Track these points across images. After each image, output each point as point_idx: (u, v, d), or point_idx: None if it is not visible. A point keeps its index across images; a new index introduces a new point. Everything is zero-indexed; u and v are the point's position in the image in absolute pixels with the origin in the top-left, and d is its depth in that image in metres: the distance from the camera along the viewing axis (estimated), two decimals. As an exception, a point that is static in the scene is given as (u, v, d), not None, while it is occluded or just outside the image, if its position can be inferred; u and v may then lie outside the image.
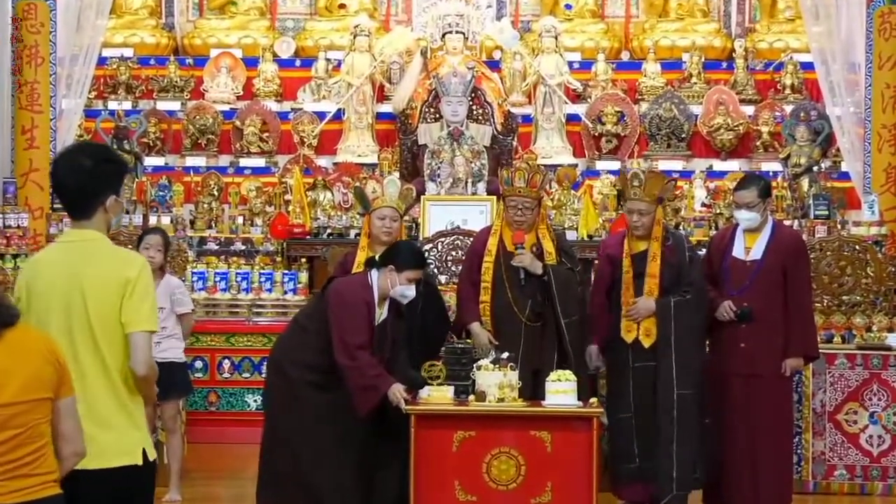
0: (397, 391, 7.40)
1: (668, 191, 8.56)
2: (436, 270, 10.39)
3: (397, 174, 13.18)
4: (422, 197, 12.55)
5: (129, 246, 10.31)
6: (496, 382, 7.51)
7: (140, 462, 4.68)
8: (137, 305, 4.63)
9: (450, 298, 9.18)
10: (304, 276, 12.14)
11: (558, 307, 8.18)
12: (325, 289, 7.88)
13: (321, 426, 7.54)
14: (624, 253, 8.27)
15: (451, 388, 7.64)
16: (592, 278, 8.90)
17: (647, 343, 8.15)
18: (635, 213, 8.23)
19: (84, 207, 4.72)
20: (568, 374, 7.63)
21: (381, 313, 7.64)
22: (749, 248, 8.31)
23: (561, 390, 7.54)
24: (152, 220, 12.67)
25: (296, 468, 7.56)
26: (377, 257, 7.77)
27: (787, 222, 12.61)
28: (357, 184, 11.90)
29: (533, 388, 7.88)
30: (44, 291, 4.67)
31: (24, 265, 4.81)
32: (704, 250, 8.89)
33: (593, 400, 7.71)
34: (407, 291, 7.63)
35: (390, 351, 7.70)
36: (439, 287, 9.36)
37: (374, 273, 7.66)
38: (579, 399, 7.60)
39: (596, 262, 11.94)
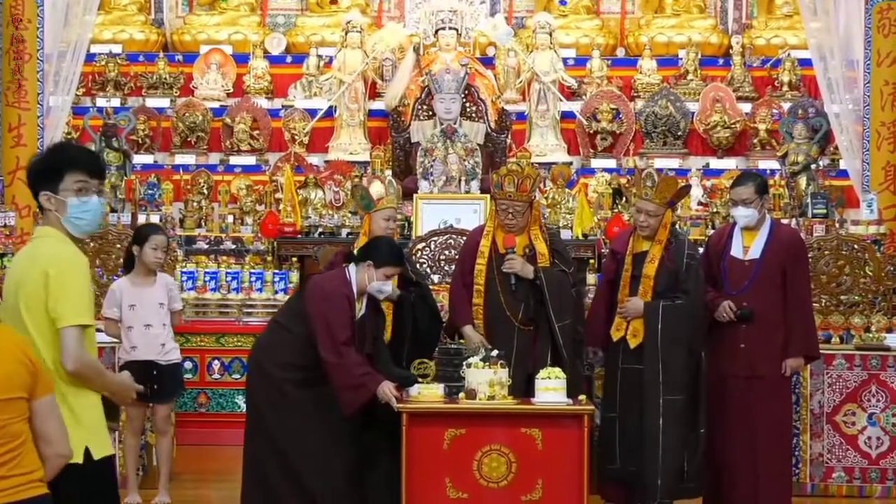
0: (387, 389, 7.34)
1: (681, 196, 8.48)
2: (428, 270, 10.31)
3: (390, 172, 13.11)
4: (415, 195, 12.48)
5: (119, 245, 10.22)
6: (486, 380, 7.53)
7: (81, 461, 4.61)
8: (60, 300, 4.63)
9: (442, 298, 9.11)
10: (294, 276, 12.08)
11: (551, 310, 8.09)
12: (304, 287, 7.84)
13: (309, 425, 7.45)
14: (627, 251, 8.18)
15: (442, 386, 7.64)
16: (587, 278, 8.85)
17: (633, 343, 8.09)
18: (643, 214, 8.14)
19: (37, 204, 4.80)
20: (558, 371, 7.63)
21: (360, 308, 7.59)
22: (747, 247, 8.26)
23: (551, 388, 7.56)
24: (141, 219, 12.57)
25: (285, 470, 7.46)
26: (355, 252, 7.72)
27: (784, 221, 12.54)
28: (361, 183, 11.80)
29: (525, 392, 7.82)
30: (4, 289, 4.76)
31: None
32: (702, 250, 8.80)
33: (583, 397, 7.70)
34: (384, 287, 7.58)
35: (371, 347, 7.65)
36: (432, 286, 9.30)
37: (351, 268, 7.59)
38: (569, 397, 7.60)
39: (591, 260, 12.01)
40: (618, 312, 8.14)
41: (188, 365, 11.08)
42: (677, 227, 12.47)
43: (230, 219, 13.20)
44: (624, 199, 12.69)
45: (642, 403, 7.99)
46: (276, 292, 11.88)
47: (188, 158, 14.19)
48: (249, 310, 11.82)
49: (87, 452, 4.63)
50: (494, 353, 7.66)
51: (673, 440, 7.92)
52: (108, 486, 4.77)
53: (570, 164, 13.92)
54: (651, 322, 8.01)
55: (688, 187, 8.69)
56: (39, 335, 4.60)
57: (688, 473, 8.02)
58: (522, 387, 7.82)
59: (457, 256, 9.31)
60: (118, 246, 10.28)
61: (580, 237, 12.45)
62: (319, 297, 7.46)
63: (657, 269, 8.06)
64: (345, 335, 7.35)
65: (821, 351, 9.13)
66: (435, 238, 10.57)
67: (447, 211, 12.29)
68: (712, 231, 11.23)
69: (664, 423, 7.93)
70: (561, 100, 14.16)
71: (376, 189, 8.48)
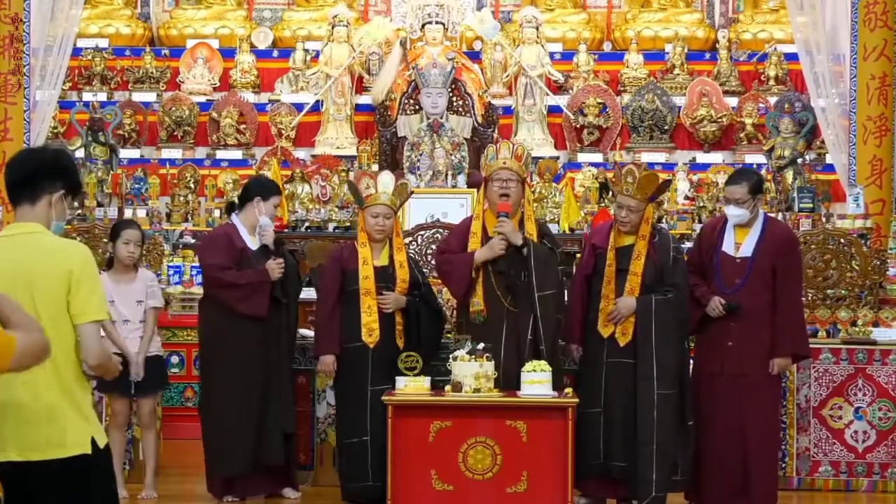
0: (274, 267, 8.34)
1: (662, 191, 8.47)
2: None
3: (377, 167, 13.09)
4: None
5: (104, 239, 10.19)
6: (472, 373, 7.60)
7: (89, 451, 4.67)
8: (86, 296, 4.70)
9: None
10: (281, 270, 12.00)
11: (534, 280, 8.05)
12: None
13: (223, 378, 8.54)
14: (609, 245, 8.15)
15: (428, 379, 7.73)
16: (574, 270, 8.81)
17: (622, 342, 8.06)
18: (624, 209, 8.11)
19: (32, 192, 4.75)
20: (543, 364, 7.68)
21: (256, 242, 8.53)
22: (739, 243, 8.17)
23: (536, 381, 7.63)
24: (127, 213, 12.56)
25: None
26: (237, 201, 8.77)
27: (771, 215, 12.54)
28: (349, 178, 11.82)
29: (517, 378, 7.85)
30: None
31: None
32: (690, 243, 8.79)
33: (568, 390, 7.79)
34: (264, 222, 8.53)
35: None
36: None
37: (234, 216, 8.66)
38: (554, 389, 7.67)
39: (578, 254, 11.98)
40: (609, 315, 8.11)
41: (174, 359, 11.06)
42: (664, 220, 12.64)
43: (217, 213, 13.17)
44: (610, 193, 12.69)
45: (635, 398, 7.96)
46: (263, 287, 11.84)
47: (175, 153, 14.18)
48: (236, 304, 11.76)
49: (93, 442, 4.69)
50: (481, 346, 7.69)
51: (667, 434, 7.92)
52: (111, 472, 4.85)
53: (557, 158, 13.91)
54: (644, 317, 7.98)
55: (668, 182, 8.69)
56: (54, 329, 4.60)
57: (680, 467, 8.05)
58: (515, 371, 7.85)
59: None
60: (104, 241, 10.25)
61: (567, 231, 12.43)
62: (201, 242, 8.55)
63: (644, 265, 8.08)
64: (219, 260, 8.38)
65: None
66: (422, 232, 10.55)
67: (434, 205, 12.28)
68: (699, 225, 11.21)
69: (658, 418, 7.90)
70: (548, 94, 14.16)
71: (364, 185, 8.52)
